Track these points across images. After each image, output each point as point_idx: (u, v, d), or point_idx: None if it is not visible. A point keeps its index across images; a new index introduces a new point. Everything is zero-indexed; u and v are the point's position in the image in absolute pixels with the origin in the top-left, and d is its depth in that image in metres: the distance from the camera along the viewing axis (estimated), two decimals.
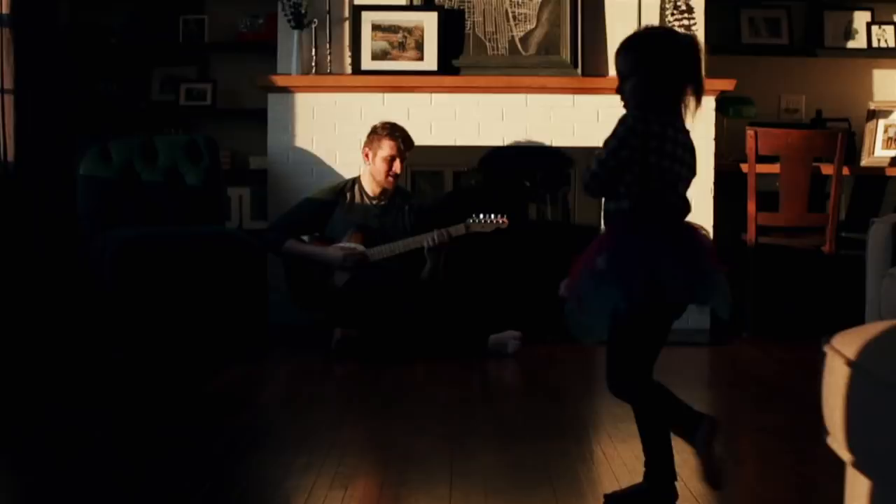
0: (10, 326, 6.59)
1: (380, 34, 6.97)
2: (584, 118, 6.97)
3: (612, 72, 6.92)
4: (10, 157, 6.64)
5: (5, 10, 6.60)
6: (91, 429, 4.40)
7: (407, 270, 6.26)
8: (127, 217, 6.50)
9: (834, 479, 3.24)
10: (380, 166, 6.34)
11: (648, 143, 3.35)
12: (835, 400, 2.47)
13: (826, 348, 2.57)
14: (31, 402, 4.96)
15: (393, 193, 6.44)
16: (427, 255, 6.20)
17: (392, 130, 6.37)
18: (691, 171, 3.57)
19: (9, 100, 6.63)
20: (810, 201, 6.79)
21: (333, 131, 6.90)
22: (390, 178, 6.33)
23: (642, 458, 3.90)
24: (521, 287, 6.96)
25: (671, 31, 3.57)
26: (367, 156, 6.41)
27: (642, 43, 3.47)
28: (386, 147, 6.33)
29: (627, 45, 3.48)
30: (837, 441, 2.47)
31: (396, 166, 6.32)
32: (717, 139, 7.02)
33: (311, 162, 6.95)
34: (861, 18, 7.84)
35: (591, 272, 3.45)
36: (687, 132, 3.48)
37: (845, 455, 2.45)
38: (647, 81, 3.40)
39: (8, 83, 6.62)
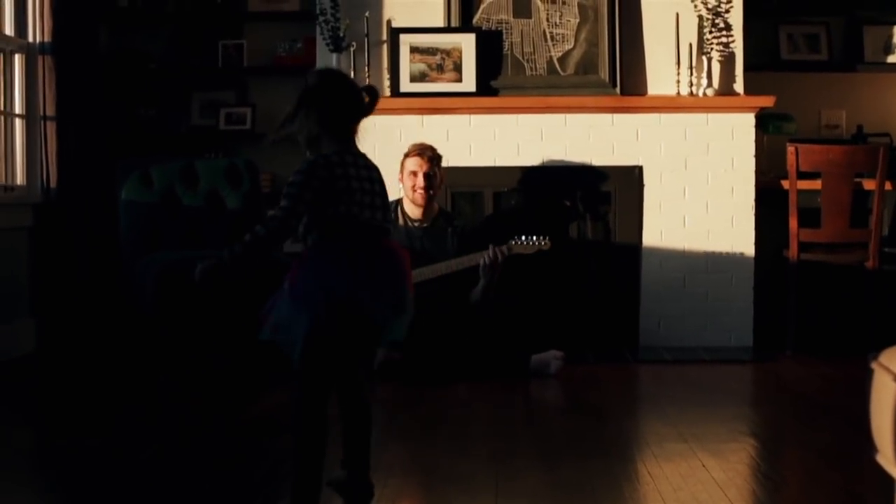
0: (55, 349, 6.64)
1: (418, 56, 6.99)
2: (623, 137, 6.96)
3: (652, 90, 6.95)
4: (53, 182, 6.70)
5: (47, 39, 6.67)
6: (136, 452, 4.41)
7: (449, 292, 6.25)
8: (168, 241, 6.52)
9: (883, 497, 3.22)
10: (406, 183, 6.38)
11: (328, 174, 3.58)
12: (883, 416, 2.46)
13: (873, 364, 2.55)
14: (75, 424, 4.98)
15: (436, 216, 6.44)
16: (482, 273, 6.19)
17: (415, 148, 6.40)
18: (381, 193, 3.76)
19: (51, 126, 6.70)
20: (852, 217, 6.75)
21: (373, 153, 6.79)
22: (417, 194, 6.33)
23: (688, 477, 3.89)
24: (562, 306, 6.95)
25: (307, 81, 3.74)
26: (400, 179, 6.44)
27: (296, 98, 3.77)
28: (408, 164, 6.37)
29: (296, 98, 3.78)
30: (886, 458, 2.45)
31: (420, 181, 6.32)
32: (757, 156, 7.00)
33: None
34: None
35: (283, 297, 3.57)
36: (363, 155, 3.79)
37: (895, 472, 2.43)
38: (298, 130, 3.76)
39: (50, 110, 6.69)
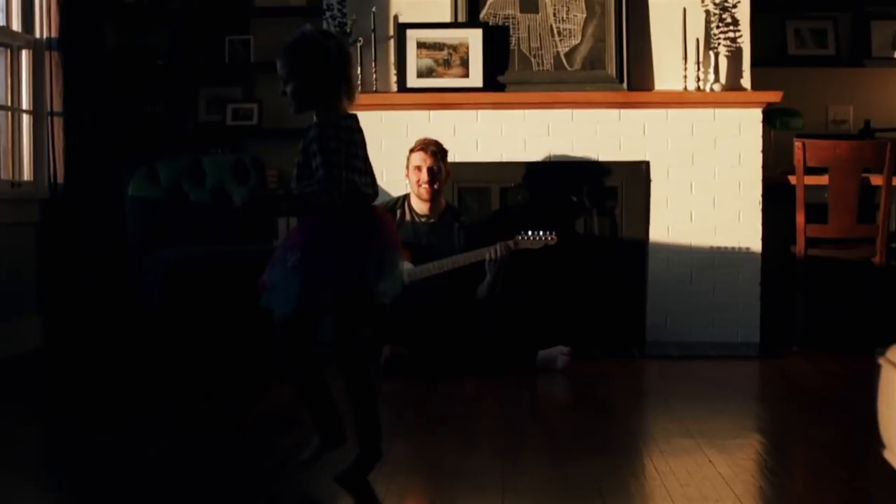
0: (62, 346, 6.65)
1: (425, 51, 6.99)
2: (630, 132, 6.95)
3: (659, 85, 6.94)
4: (60, 178, 6.71)
5: (54, 35, 6.67)
6: (142, 448, 4.41)
7: (455, 287, 6.25)
8: (175, 237, 6.53)
9: (890, 494, 3.21)
10: (411, 178, 6.39)
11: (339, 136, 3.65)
12: (890, 412, 2.45)
13: (880, 360, 2.54)
14: (83, 420, 4.98)
15: (443, 211, 6.44)
16: (487, 268, 6.19)
17: (420, 143, 6.41)
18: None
19: (58, 122, 6.70)
20: (860, 212, 6.73)
21: (380, 149, 6.91)
22: (422, 189, 6.33)
23: (694, 473, 3.89)
24: (569, 302, 6.95)
25: (320, 37, 3.73)
26: (406, 174, 6.45)
27: (294, 52, 3.73)
28: (413, 159, 6.38)
29: (283, 53, 3.75)
30: (894, 454, 2.45)
31: (424, 175, 6.32)
32: (764, 151, 6.99)
33: None
34: None
35: (286, 267, 3.69)
36: (354, 118, 3.79)
37: None
38: (303, 85, 3.70)
39: (57, 106, 6.70)
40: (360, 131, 3.79)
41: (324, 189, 3.57)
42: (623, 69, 6.98)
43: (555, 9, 7.05)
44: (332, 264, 3.62)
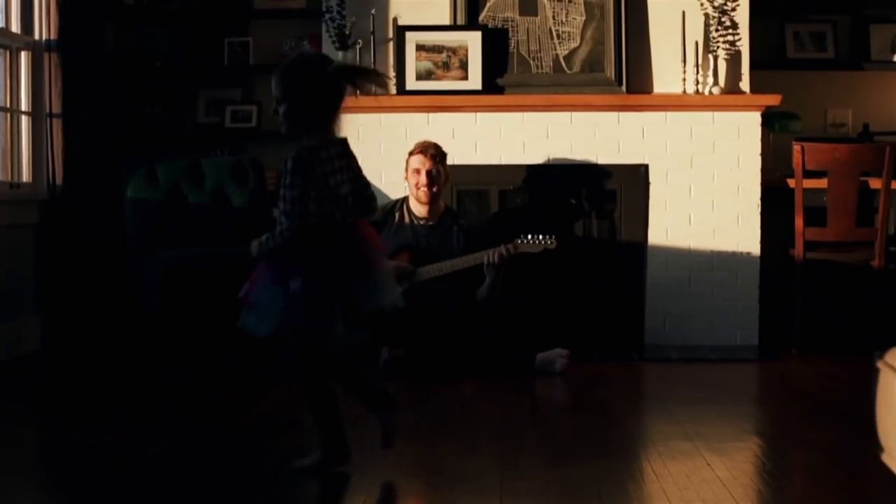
0: (61, 347, 6.64)
1: (424, 54, 6.99)
2: (629, 135, 6.96)
3: (658, 88, 6.94)
4: (59, 180, 6.70)
5: (53, 36, 6.67)
6: (141, 450, 4.41)
7: (455, 290, 6.25)
8: (174, 239, 6.53)
9: (889, 497, 3.21)
10: (410, 181, 6.40)
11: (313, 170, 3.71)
12: (889, 415, 2.45)
13: (879, 363, 2.54)
14: (81, 421, 4.98)
15: (442, 214, 6.44)
16: (486, 271, 6.18)
17: (419, 145, 6.41)
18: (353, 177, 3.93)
19: (57, 124, 6.70)
20: (858, 216, 6.73)
21: (379, 151, 6.91)
22: (421, 192, 6.34)
23: (692, 476, 3.89)
24: (567, 305, 6.95)
25: (319, 61, 3.77)
26: (405, 177, 6.46)
27: (291, 73, 3.78)
28: (412, 162, 6.39)
29: (279, 74, 3.80)
30: (892, 457, 2.45)
31: (423, 178, 6.32)
32: (763, 154, 6.99)
33: None
34: None
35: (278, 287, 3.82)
36: (341, 142, 3.86)
37: None
38: (298, 107, 3.75)
39: (56, 107, 6.69)
40: (344, 157, 3.84)
41: (287, 226, 3.70)
42: (622, 72, 6.99)
43: (554, 11, 7.06)
44: (335, 288, 3.69)
